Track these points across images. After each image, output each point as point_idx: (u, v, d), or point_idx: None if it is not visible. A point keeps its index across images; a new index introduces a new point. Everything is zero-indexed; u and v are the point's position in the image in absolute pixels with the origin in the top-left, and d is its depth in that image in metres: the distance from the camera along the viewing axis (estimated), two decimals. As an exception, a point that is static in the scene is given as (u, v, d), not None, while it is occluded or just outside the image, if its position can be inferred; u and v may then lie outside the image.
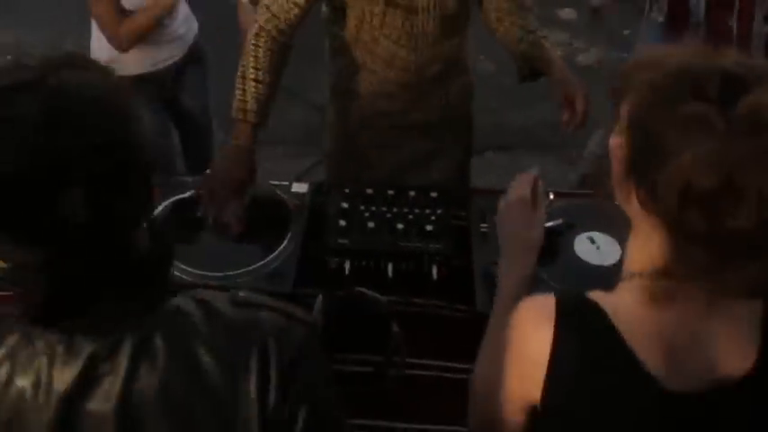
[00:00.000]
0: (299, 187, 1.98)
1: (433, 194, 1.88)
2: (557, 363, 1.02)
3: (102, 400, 0.94)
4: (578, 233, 1.77)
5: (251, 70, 1.89)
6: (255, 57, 1.89)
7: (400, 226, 1.80)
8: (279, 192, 1.96)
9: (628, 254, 1.07)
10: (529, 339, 1.05)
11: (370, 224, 1.80)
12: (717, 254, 0.94)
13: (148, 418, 0.94)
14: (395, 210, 1.85)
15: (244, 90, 1.89)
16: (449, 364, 1.59)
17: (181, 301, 1.00)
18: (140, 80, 2.55)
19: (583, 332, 1.02)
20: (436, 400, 1.54)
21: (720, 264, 0.94)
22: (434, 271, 1.75)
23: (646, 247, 1.02)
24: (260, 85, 1.89)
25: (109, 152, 0.89)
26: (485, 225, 1.84)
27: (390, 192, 1.89)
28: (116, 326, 0.95)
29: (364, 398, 1.49)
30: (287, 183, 2.00)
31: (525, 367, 1.06)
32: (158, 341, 0.96)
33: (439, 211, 1.83)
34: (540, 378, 1.03)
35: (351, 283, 1.67)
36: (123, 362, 0.94)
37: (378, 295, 1.64)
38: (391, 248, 1.77)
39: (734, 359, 1.02)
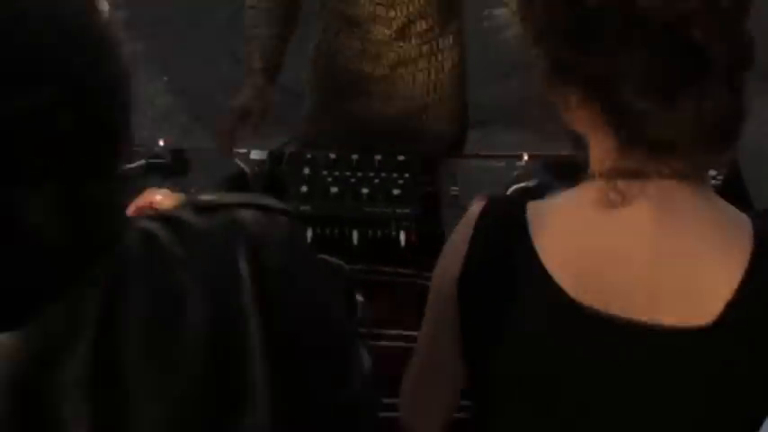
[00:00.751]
0: (258, 154, 1.86)
1: (401, 158, 1.77)
2: (470, 260, 1.00)
3: (68, 368, 0.73)
4: (554, 193, 1.66)
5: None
6: None
7: (365, 191, 1.68)
8: (236, 159, 1.84)
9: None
10: (454, 237, 1.05)
11: (334, 189, 1.69)
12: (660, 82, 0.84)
13: (132, 376, 0.74)
14: (359, 174, 1.73)
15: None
16: (417, 334, 1.48)
17: (142, 222, 0.79)
18: None
19: (496, 231, 0.99)
20: (403, 372, 1.42)
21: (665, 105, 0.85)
22: (402, 237, 1.64)
23: (594, 147, 0.94)
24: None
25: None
26: (455, 189, 1.74)
27: (355, 156, 1.77)
28: (71, 272, 0.72)
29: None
30: (245, 150, 1.87)
31: (446, 262, 1.05)
32: (132, 282, 0.74)
33: (406, 175, 1.72)
34: (457, 272, 1.01)
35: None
36: (89, 318, 0.72)
37: (341, 263, 1.54)
38: (356, 214, 1.65)
39: (687, 305, 0.91)
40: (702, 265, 0.91)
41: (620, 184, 0.90)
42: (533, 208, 0.98)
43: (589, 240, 0.93)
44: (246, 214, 0.83)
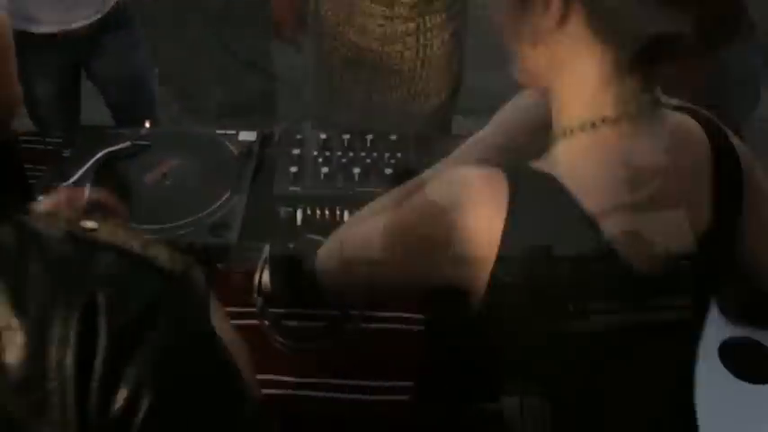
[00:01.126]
0: (247, 135, 1.81)
1: (393, 137, 1.73)
2: (507, 245, 0.87)
3: None
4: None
5: None
6: None
7: (357, 170, 1.64)
8: (224, 140, 1.79)
9: (560, 109, 0.92)
10: (475, 220, 0.89)
11: (324, 169, 1.64)
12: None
13: None
14: (351, 154, 1.69)
15: None
16: (410, 315, 1.43)
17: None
18: (51, 39, 2.30)
19: (540, 209, 0.88)
20: (397, 354, 1.38)
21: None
22: (395, 217, 1.59)
23: (582, 82, 0.89)
24: None
25: None
26: (450, 168, 1.69)
27: (346, 136, 1.73)
28: None
29: (320, 355, 1.36)
30: (233, 131, 1.83)
31: (465, 249, 0.89)
32: None
33: (399, 155, 1.68)
34: (484, 265, 0.88)
35: (302, 234, 1.52)
36: None
37: (332, 243, 1.49)
38: (347, 194, 1.61)
39: (694, 217, 0.93)
40: (701, 177, 0.94)
41: (633, 122, 0.88)
42: (565, 176, 0.88)
43: (627, 197, 0.89)
44: (109, 259, 0.67)
